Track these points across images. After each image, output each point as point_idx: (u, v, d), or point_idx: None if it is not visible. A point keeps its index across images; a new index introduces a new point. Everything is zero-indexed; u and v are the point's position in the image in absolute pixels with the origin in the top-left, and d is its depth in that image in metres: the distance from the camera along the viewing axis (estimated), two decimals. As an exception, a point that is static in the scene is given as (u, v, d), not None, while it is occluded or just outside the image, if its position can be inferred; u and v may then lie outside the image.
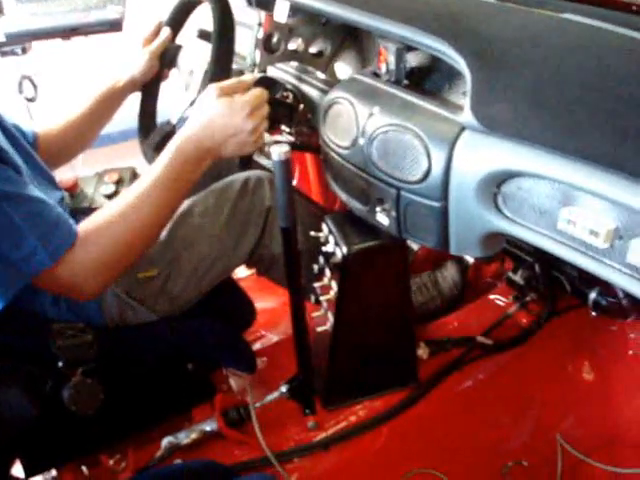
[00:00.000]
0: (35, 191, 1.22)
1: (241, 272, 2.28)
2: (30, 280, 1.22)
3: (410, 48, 1.32)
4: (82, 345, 1.44)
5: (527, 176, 1.04)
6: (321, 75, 1.74)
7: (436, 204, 1.20)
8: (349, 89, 1.40)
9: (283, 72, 1.73)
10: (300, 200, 1.83)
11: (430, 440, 1.74)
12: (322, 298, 1.63)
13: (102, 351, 1.45)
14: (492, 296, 2.08)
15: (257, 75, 1.69)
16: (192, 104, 1.39)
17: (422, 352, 1.77)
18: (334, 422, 1.71)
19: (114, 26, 2.71)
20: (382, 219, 1.36)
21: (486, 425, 1.82)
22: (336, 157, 1.43)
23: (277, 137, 1.68)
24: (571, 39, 1.23)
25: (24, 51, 2.73)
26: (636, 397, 1.83)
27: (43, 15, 2.70)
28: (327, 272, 1.60)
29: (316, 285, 1.64)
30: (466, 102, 1.10)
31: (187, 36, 1.74)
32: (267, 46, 1.75)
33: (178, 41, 1.70)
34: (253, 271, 2.14)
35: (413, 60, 1.39)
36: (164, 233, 1.59)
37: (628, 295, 1.60)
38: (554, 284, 1.93)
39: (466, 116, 1.10)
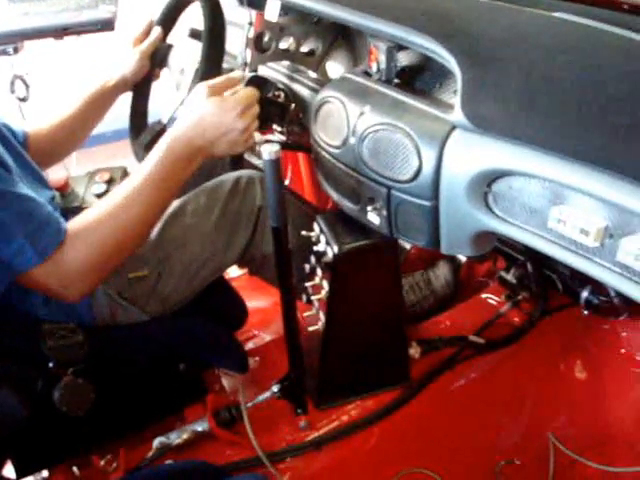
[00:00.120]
0: (24, 189, 1.22)
1: (233, 272, 2.28)
2: (15, 278, 1.21)
3: (401, 47, 1.32)
4: (73, 345, 1.43)
5: (517, 175, 1.04)
6: (312, 74, 1.74)
7: (427, 203, 1.20)
8: (340, 88, 1.40)
9: (274, 71, 1.73)
10: (291, 199, 1.83)
11: (422, 439, 1.74)
12: (314, 298, 1.63)
13: (93, 351, 1.45)
14: (484, 295, 2.08)
15: (247, 74, 1.68)
16: (183, 103, 1.39)
17: (414, 351, 1.77)
18: (326, 422, 1.70)
19: (106, 25, 2.69)
20: (373, 218, 1.36)
21: (478, 424, 1.82)
22: (327, 156, 1.43)
23: (269, 136, 1.68)
24: (562, 38, 1.23)
25: (16, 51, 2.71)
26: (628, 395, 1.83)
27: (35, 15, 2.69)
28: (318, 272, 1.60)
29: (307, 285, 1.64)
30: (456, 101, 1.10)
31: (178, 35, 1.74)
32: (258, 45, 1.75)
33: (169, 40, 1.69)
34: (245, 271, 2.14)
35: (404, 59, 1.39)
36: (155, 233, 1.59)
37: (620, 294, 1.60)
38: (546, 283, 1.94)
39: (456, 115, 1.10)
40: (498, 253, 2.04)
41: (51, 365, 1.41)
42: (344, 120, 1.34)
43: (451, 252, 1.28)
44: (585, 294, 1.79)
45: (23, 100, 3.05)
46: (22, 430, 1.44)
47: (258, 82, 1.60)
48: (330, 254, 1.51)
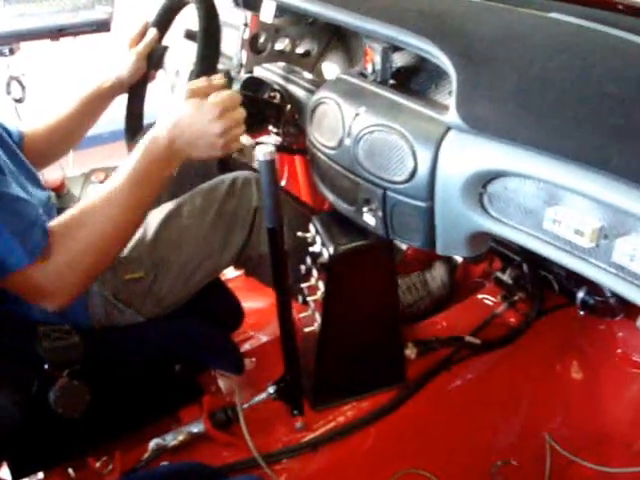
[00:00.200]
0: (16, 190, 1.22)
1: (229, 273, 2.27)
2: (3, 282, 1.21)
3: (396, 48, 1.32)
4: (68, 347, 1.42)
5: (513, 176, 1.04)
6: (308, 75, 1.74)
7: (422, 204, 1.20)
8: (335, 89, 1.40)
9: (270, 72, 1.73)
10: (288, 200, 1.82)
11: (419, 440, 1.74)
12: (309, 299, 1.63)
13: (89, 353, 1.44)
14: (480, 296, 2.08)
15: (242, 75, 1.68)
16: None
17: (410, 352, 1.77)
18: (322, 423, 1.70)
19: (102, 26, 2.69)
20: (369, 219, 1.36)
21: (475, 425, 1.82)
22: (323, 157, 1.43)
23: (264, 138, 1.68)
24: (557, 39, 1.22)
25: (12, 52, 2.71)
26: (624, 396, 1.83)
27: (31, 16, 2.69)
28: (314, 273, 1.60)
29: (303, 286, 1.64)
30: (452, 102, 1.10)
31: (174, 37, 1.74)
32: (253, 46, 1.74)
33: (165, 42, 1.69)
34: (241, 272, 2.14)
35: (399, 60, 1.39)
36: (151, 234, 1.59)
37: (616, 294, 1.61)
38: (542, 283, 1.94)
39: (452, 116, 1.10)
40: (494, 254, 2.04)
41: (46, 367, 1.41)
42: (339, 121, 1.34)
43: (446, 253, 1.28)
44: (581, 294, 1.79)
45: (19, 101, 3.04)
46: (18, 432, 1.44)
47: (254, 83, 1.60)
48: (326, 255, 1.51)
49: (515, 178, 1.04)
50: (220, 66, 1.48)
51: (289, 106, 1.61)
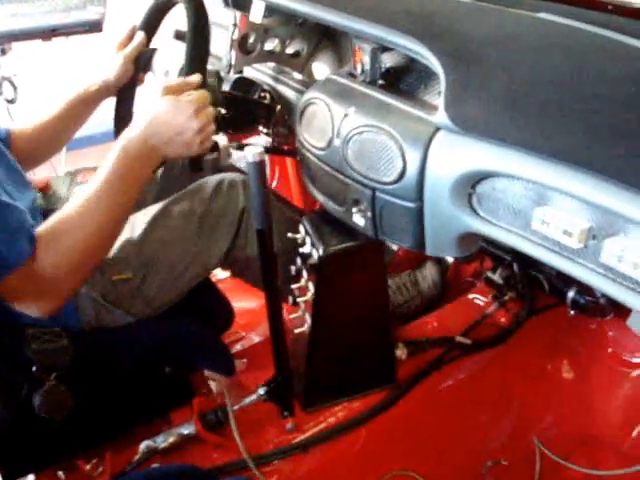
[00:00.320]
0: (2, 196, 1.21)
1: (220, 274, 2.27)
2: None
3: (385, 48, 1.32)
4: (57, 350, 1.42)
5: (501, 176, 1.04)
6: (298, 76, 1.74)
7: (411, 205, 1.20)
8: (324, 90, 1.40)
9: (260, 73, 1.73)
10: (277, 202, 1.82)
11: (409, 441, 1.74)
12: (299, 300, 1.62)
13: (78, 355, 1.44)
14: (471, 296, 2.08)
15: (231, 75, 1.68)
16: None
17: (400, 353, 1.76)
18: (313, 424, 1.70)
19: (94, 27, 2.68)
20: (358, 220, 1.36)
21: (465, 425, 1.82)
22: (312, 158, 1.43)
23: (253, 139, 1.68)
24: (546, 39, 1.23)
25: (4, 52, 2.70)
26: (615, 395, 1.83)
27: (23, 16, 2.68)
28: (304, 274, 1.60)
29: (294, 287, 1.64)
30: (441, 102, 1.10)
31: (163, 38, 1.73)
32: (243, 47, 1.74)
33: (155, 44, 1.68)
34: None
35: (388, 60, 1.39)
36: (139, 235, 1.59)
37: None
38: (532, 283, 1.94)
39: (440, 116, 1.10)
40: (485, 254, 2.04)
41: (35, 369, 1.40)
42: (329, 122, 1.34)
43: (436, 254, 1.29)
44: (571, 294, 1.79)
45: (11, 102, 3.03)
46: (8, 435, 1.44)
47: (243, 84, 1.60)
48: (315, 256, 1.50)
49: (504, 179, 1.04)
50: (209, 66, 1.47)
51: (279, 106, 1.61)
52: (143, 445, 1.58)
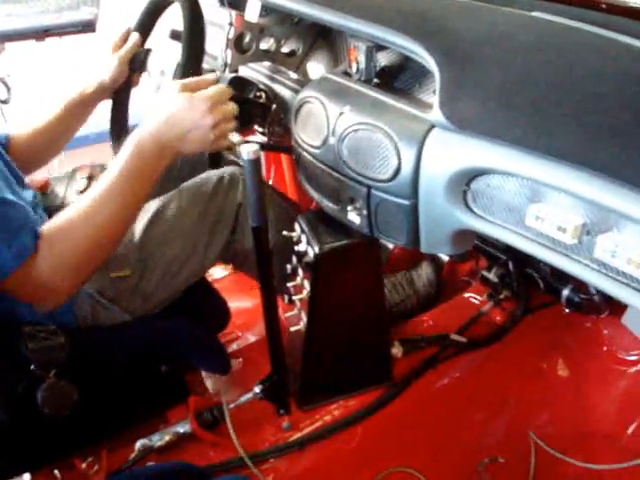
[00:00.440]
0: (4, 192, 1.21)
1: (216, 273, 2.27)
2: None
3: (380, 47, 1.32)
4: (54, 347, 1.42)
5: (496, 173, 1.04)
6: (293, 75, 1.74)
7: (406, 202, 1.20)
8: (320, 88, 1.40)
9: (255, 72, 1.73)
10: (274, 199, 1.82)
11: (406, 438, 1.75)
12: (295, 298, 1.63)
13: (75, 353, 1.44)
14: (467, 294, 2.09)
15: (227, 75, 1.68)
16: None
17: (396, 351, 1.77)
18: (309, 422, 1.70)
19: (87, 27, 2.68)
20: (353, 218, 1.36)
21: (461, 422, 1.82)
22: (308, 156, 1.43)
23: (250, 137, 1.68)
24: (540, 37, 1.23)
25: (-3, 53, 2.70)
26: (610, 392, 1.84)
27: (16, 17, 2.67)
28: (300, 272, 1.60)
29: (289, 285, 1.64)
30: (435, 100, 1.11)
31: (159, 38, 1.73)
32: (239, 46, 1.74)
33: (150, 43, 1.69)
34: (228, 272, 2.14)
35: (383, 59, 1.40)
36: (137, 232, 1.59)
37: (600, 291, 1.61)
38: (528, 281, 1.94)
39: (435, 114, 1.10)
40: (480, 252, 2.05)
41: (33, 367, 1.40)
42: (324, 120, 1.34)
43: (431, 251, 1.29)
44: (566, 292, 1.80)
45: (4, 102, 3.03)
46: (4, 433, 1.44)
47: (239, 83, 1.60)
48: (311, 254, 1.51)
49: (498, 176, 1.04)
50: (205, 65, 1.48)
51: (274, 105, 1.61)
52: (139, 443, 1.58)
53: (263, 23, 1.76)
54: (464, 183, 1.09)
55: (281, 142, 1.71)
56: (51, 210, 1.57)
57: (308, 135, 1.41)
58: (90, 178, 1.78)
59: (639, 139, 0.89)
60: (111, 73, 1.64)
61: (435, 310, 2.04)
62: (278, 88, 1.63)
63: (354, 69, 1.38)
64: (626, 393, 1.82)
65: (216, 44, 1.75)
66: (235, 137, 1.32)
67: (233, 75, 1.66)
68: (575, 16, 1.31)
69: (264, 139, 1.68)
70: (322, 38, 1.92)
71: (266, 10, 1.74)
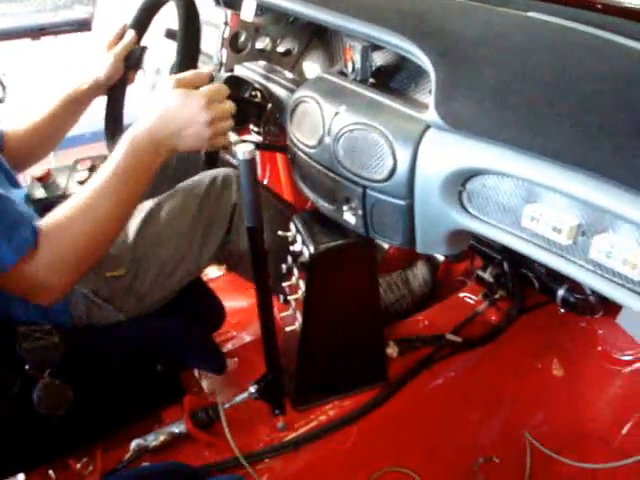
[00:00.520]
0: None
1: (211, 273, 2.27)
2: None
3: (376, 47, 1.32)
4: (49, 347, 1.41)
5: (491, 174, 1.04)
6: (289, 74, 1.74)
7: (402, 202, 1.20)
8: (315, 88, 1.40)
9: (251, 71, 1.73)
10: (269, 199, 1.82)
11: (401, 438, 1.75)
12: (290, 298, 1.63)
13: (69, 353, 1.44)
14: (462, 294, 2.09)
15: (222, 74, 1.68)
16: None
17: (391, 351, 1.77)
18: (304, 422, 1.70)
19: (83, 26, 2.68)
20: (349, 218, 1.36)
21: (457, 422, 1.82)
22: (303, 156, 1.43)
23: (245, 137, 1.67)
24: (535, 37, 1.23)
25: (-8, 52, 2.70)
26: (605, 393, 1.84)
27: (12, 15, 2.67)
28: (295, 272, 1.60)
29: (285, 285, 1.64)
30: (431, 100, 1.10)
31: (154, 35, 1.73)
32: (234, 45, 1.74)
33: (145, 42, 1.68)
34: (223, 272, 2.14)
35: (379, 59, 1.39)
36: (132, 232, 1.59)
37: (595, 291, 1.62)
38: (523, 281, 1.95)
39: (431, 114, 1.10)
40: (475, 252, 2.05)
41: (27, 367, 1.40)
42: (319, 120, 1.34)
43: (426, 251, 1.29)
44: (561, 292, 1.81)
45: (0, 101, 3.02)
46: (-2, 433, 1.44)
47: (235, 82, 1.60)
48: (306, 254, 1.51)
49: (494, 176, 1.04)
50: (200, 65, 1.47)
51: (270, 105, 1.61)
52: (134, 443, 1.58)
53: (259, 22, 1.75)
54: (459, 183, 1.09)
55: (276, 142, 1.71)
56: (52, 200, 1.57)
57: (303, 135, 1.41)
58: (92, 169, 1.77)
59: (634, 139, 0.89)
60: (106, 70, 1.63)
61: (430, 310, 2.05)
62: (274, 87, 1.63)
63: (350, 69, 1.38)
64: (620, 392, 1.82)
65: (211, 43, 1.75)
66: (232, 136, 1.32)
67: (228, 74, 1.66)
68: (571, 16, 1.31)
69: (259, 138, 1.68)
70: (318, 37, 1.91)
71: (262, 9, 1.73)
